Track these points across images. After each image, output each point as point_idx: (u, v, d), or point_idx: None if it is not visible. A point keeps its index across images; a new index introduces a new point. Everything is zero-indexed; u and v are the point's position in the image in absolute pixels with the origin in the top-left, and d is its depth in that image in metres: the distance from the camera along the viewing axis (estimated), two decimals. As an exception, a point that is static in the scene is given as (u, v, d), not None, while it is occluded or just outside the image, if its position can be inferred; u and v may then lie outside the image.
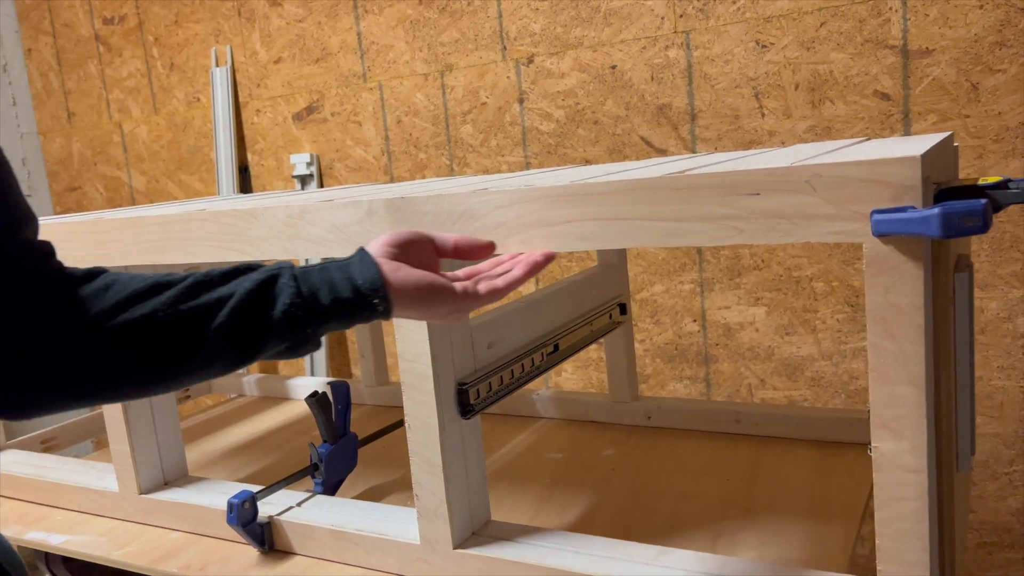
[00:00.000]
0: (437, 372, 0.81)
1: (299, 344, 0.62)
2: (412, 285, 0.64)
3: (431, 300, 0.65)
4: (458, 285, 0.67)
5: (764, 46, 1.58)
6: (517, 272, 0.70)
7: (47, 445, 1.38)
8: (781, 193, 0.60)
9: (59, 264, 0.61)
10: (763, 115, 1.61)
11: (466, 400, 0.84)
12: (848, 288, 1.59)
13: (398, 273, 0.64)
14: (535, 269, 0.70)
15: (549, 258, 0.71)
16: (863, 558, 1.32)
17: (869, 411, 0.62)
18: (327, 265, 0.64)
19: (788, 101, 1.58)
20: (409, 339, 0.81)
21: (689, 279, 1.74)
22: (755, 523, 0.90)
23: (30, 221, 0.60)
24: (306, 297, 0.61)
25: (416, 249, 0.68)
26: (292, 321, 0.61)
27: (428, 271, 0.66)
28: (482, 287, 0.68)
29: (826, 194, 0.59)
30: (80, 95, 2.60)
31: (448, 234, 0.71)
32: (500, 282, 0.68)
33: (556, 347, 1.01)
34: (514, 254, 0.73)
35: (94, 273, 0.61)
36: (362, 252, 0.66)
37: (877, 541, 0.62)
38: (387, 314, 0.64)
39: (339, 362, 2.27)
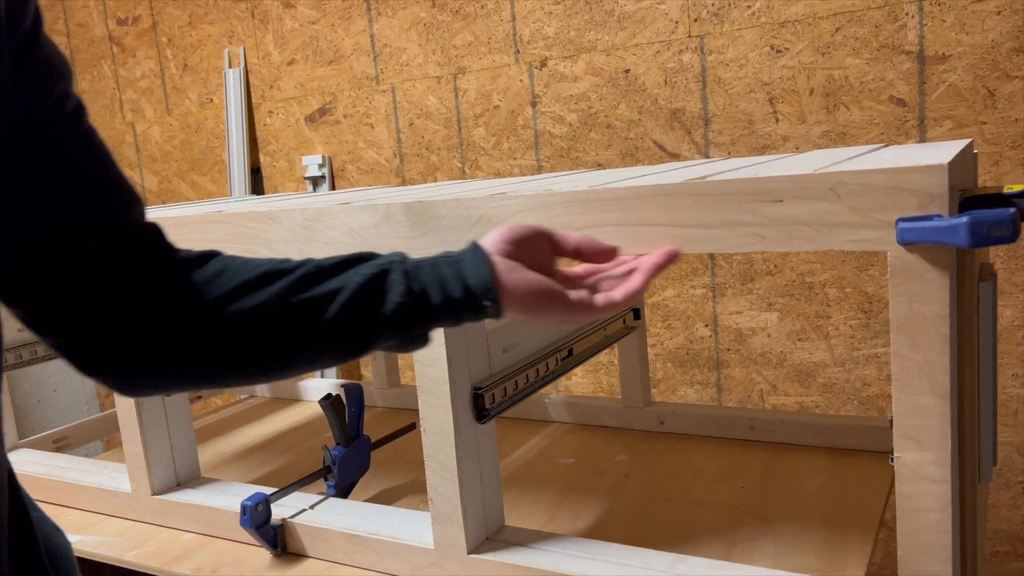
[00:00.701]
0: (453, 376, 0.80)
1: (408, 341, 0.62)
2: (525, 289, 0.61)
3: (544, 306, 0.62)
4: (573, 294, 0.63)
5: (779, 51, 1.58)
6: (635, 283, 0.63)
7: (59, 444, 1.38)
8: (804, 200, 0.60)
9: (170, 245, 0.61)
10: (777, 120, 1.60)
11: (481, 404, 0.83)
12: (861, 294, 1.58)
13: (512, 275, 0.61)
14: (656, 272, 0.64)
15: (672, 257, 0.65)
16: (876, 567, 1.31)
17: (890, 419, 0.61)
18: (439, 260, 0.62)
19: (803, 106, 1.58)
20: (425, 343, 0.80)
21: (701, 284, 1.73)
22: (770, 531, 0.90)
23: (137, 202, 0.59)
24: (416, 295, 0.59)
25: (533, 247, 0.64)
26: (401, 319, 0.59)
27: (544, 273, 0.63)
28: (599, 299, 0.63)
29: (850, 202, 0.58)
30: (93, 95, 2.61)
31: (570, 233, 0.66)
32: (618, 295, 0.63)
33: (570, 352, 1.01)
34: (636, 254, 0.67)
35: (207, 256, 0.60)
36: (475, 248, 0.62)
37: (899, 552, 0.61)
38: (497, 316, 0.62)
39: (351, 366, 2.27)
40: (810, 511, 0.93)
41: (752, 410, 1.19)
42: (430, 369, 0.81)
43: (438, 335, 0.79)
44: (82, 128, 0.56)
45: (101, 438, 1.49)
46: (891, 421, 0.60)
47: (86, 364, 0.57)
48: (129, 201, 0.58)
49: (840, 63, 1.53)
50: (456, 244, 0.77)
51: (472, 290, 0.60)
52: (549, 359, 0.96)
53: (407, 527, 0.90)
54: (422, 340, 0.63)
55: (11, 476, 0.56)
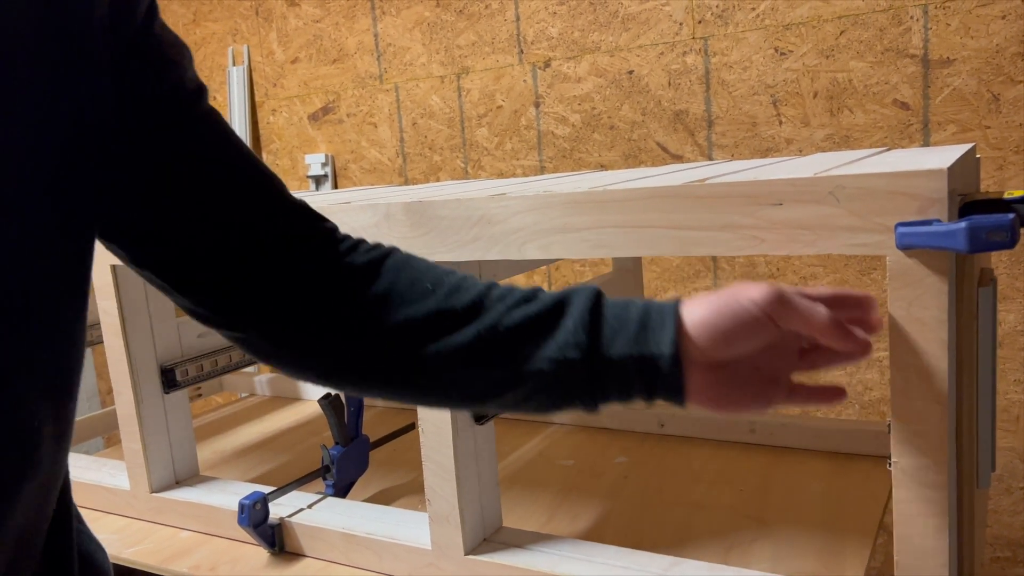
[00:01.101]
0: (451, 377, 0.80)
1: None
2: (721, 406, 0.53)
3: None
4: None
5: (783, 53, 1.58)
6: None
7: (59, 441, 1.39)
8: (804, 204, 0.60)
9: (327, 226, 0.59)
10: (781, 123, 1.60)
11: (480, 405, 0.83)
12: (864, 298, 1.58)
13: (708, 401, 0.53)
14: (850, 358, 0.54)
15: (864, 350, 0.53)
16: (875, 570, 1.30)
17: (888, 424, 0.61)
18: (643, 337, 0.52)
19: (806, 109, 1.57)
20: (424, 343, 0.80)
21: (703, 286, 1.73)
22: (768, 535, 0.89)
23: (279, 181, 0.58)
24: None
25: (773, 355, 0.54)
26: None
27: (759, 391, 0.54)
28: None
29: (850, 205, 0.58)
30: (97, 92, 2.62)
31: (818, 312, 0.52)
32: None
33: (570, 353, 1.01)
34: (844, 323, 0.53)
35: (375, 261, 0.57)
36: (674, 357, 0.51)
37: (896, 557, 0.61)
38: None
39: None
40: (809, 515, 0.93)
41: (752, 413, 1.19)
42: (429, 369, 0.81)
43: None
44: (203, 111, 0.55)
45: (102, 435, 1.49)
46: (889, 426, 0.60)
47: (260, 356, 0.58)
48: (272, 181, 0.57)
49: (844, 66, 1.52)
50: (456, 244, 0.77)
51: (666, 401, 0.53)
52: (548, 360, 0.96)
53: (405, 527, 0.90)
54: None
55: (66, 486, 0.55)
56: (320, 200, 0.95)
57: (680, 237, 0.65)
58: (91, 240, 0.50)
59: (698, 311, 0.52)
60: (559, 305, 0.54)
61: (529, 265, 1.02)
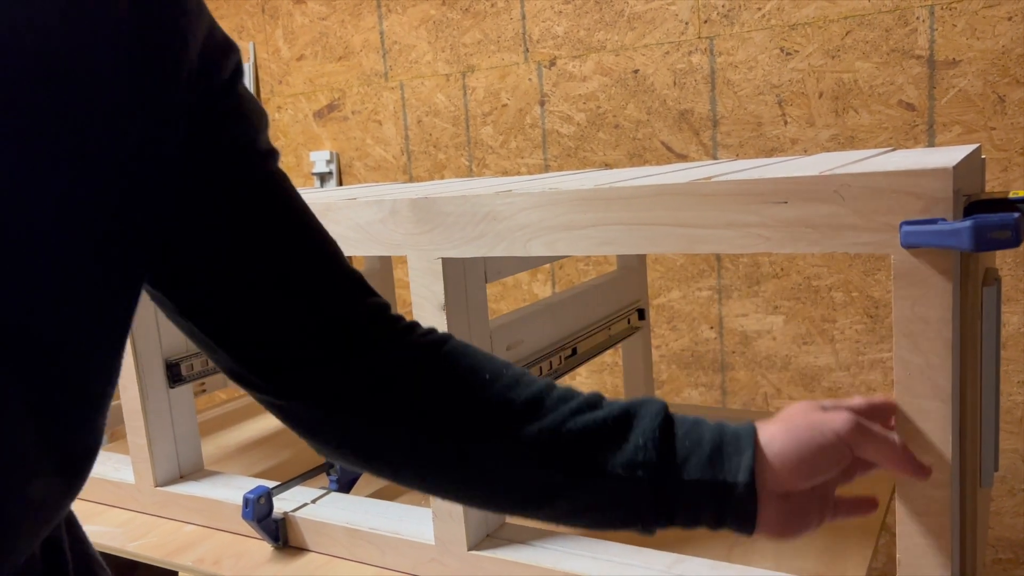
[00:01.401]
0: (456, 373, 0.81)
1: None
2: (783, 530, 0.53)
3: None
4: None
5: (788, 53, 1.58)
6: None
7: (64, 435, 1.39)
8: (809, 202, 0.60)
9: (388, 310, 0.57)
10: (786, 123, 1.60)
11: (484, 402, 0.83)
12: (868, 299, 1.58)
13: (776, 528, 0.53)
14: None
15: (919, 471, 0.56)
16: (876, 571, 1.31)
17: (892, 423, 0.61)
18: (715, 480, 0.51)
19: (811, 109, 1.57)
20: (429, 339, 0.81)
21: (707, 286, 1.73)
22: (771, 533, 0.90)
23: (358, 276, 0.56)
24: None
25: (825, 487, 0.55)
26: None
27: (815, 512, 0.54)
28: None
29: (855, 204, 0.58)
30: (104, 88, 2.62)
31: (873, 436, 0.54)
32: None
33: (574, 351, 1.01)
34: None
35: (434, 345, 0.56)
36: (749, 486, 0.50)
37: (898, 555, 0.61)
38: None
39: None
40: (811, 514, 0.93)
41: (756, 411, 1.19)
42: (433, 365, 0.81)
43: (442, 329, 0.80)
44: (272, 173, 0.53)
45: (108, 429, 1.49)
46: (893, 424, 0.60)
47: (297, 427, 0.56)
48: (335, 251, 0.55)
49: (850, 66, 1.52)
50: (462, 240, 0.77)
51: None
52: (553, 357, 0.96)
53: (408, 523, 0.90)
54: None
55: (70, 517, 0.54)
56: (326, 196, 0.95)
57: (685, 234, 0.66)
58: (138, 293, 0.48)
59: (778, 442, 0.51)
60: (626, 416, 0.53)
61: (534, 262, 1.02)
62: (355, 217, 0.83)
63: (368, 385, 0.53)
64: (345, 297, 0.55)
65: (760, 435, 0.52)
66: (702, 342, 1.76)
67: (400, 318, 0.57)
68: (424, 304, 0.81)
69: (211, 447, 1.34)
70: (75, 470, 0.45)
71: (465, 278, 0.82)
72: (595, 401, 0.54)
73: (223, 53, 0.49)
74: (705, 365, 1.76)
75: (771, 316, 1.68)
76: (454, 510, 0.83)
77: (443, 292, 0.79)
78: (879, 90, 1.51)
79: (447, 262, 0.79)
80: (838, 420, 0.53)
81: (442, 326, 0.80)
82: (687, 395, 1.79)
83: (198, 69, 0.47)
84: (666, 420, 0.53)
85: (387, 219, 0.81)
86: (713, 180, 0.64)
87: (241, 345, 0.53)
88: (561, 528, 0.93)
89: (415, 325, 0.58)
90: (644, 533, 0.53)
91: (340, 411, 0.53)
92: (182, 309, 0.52)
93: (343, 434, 0.54)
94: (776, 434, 0.52)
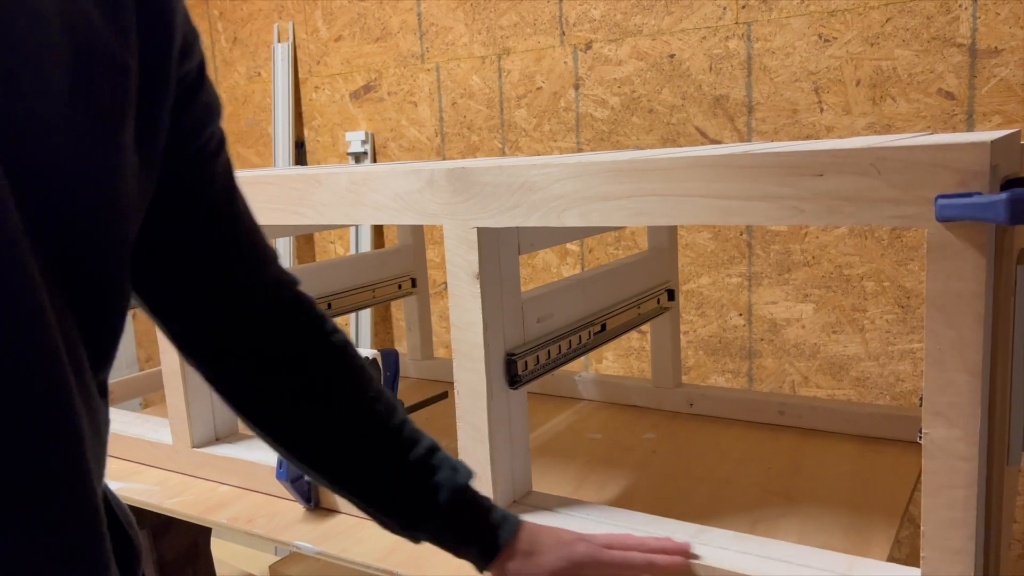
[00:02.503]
0: (487, 341, 0.82)
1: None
2: None
3: None
4: None
5: (827, 40, 1.57)
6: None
7: (104, 398, 1.43)
8: (845, 175, 0.61)
9: (312, 313, 0.67)
10: (822, 110, 1.59)
11: (514, 370, 0.85)
12: (900, 289, 1.57)
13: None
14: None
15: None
16: (900, 560, 1.31)
17: (920, 398, 0.62)
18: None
19: (848, 97, 1.56)
20: (461, 307, 0.82)
21: (737, 272, 1.73)
22: (795, 511, 0.90)
23: (274, 256, 0.65)
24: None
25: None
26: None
27: None
28: None
29: (891, 177, 0.59)
30: (145, 66, 2.67)
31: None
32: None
33: (603, 327, 1.02)
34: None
35: (344, 344, 0.70)
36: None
37: (922, 527, 0.62)
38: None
39: (383, 337, 2.31)
40: (836, 494, 0.94)
41: (782, 395, 1.19)
42: (466, 333, 0.83)
43: (474, 299, 0.81)
44: (226, 160, 0.60)
45: (142, 395, 1.53)
46: (921, 399, 0.61)
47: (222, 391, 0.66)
48: (265, 239, 0.64)
49: (889, 54, 1.51)
50: (497, 210, 0.78)
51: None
52: (582, 332, 0.97)
53: (437, 488, 0.92)
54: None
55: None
56: (363, 167, 0.97)
57: (719, 206, 0.66)
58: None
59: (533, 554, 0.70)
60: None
61: (567, 235, 1.03)
62: (394, 186, 0.85)
63: (270, 366, 0.64)
64: (275, 279, 0.65)
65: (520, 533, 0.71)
66: (730, 329, 1.76)
67: (309, 308, 0.67)
68: (458, 273, 0.82)
69: (244, 414, 1.37)
70: (102, 361, 0.51)
71: (499, 249, 0.83)
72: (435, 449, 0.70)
73: (195, 36, 0.54)
74: (733, 352, 1.77)
75: (801, 304, 1.67)
76: (482, 475, 0.84)
77: (477, 261, 0.81)
78: (918, 78, 1.49)
79: (482, 232, 0.81)
80: (582, 548, 0.70)
81: (475, 295, 0.81)
82: (713, 381, 1.80)
83: (181, 45, 0.51)
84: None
85: (424, 189, 0.83)
86: (748, 152, 0.65)
87: (179, 315, 0.62)
88: (579, 496, 0.94)
89: (323, 317, 0.68)
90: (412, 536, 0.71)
91: (261, 388, 0.65)
92: (132, 278, 0.57)
93: (254, 411, 0.66)
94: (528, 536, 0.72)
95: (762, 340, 1.73)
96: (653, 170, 0.69)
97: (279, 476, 0.95)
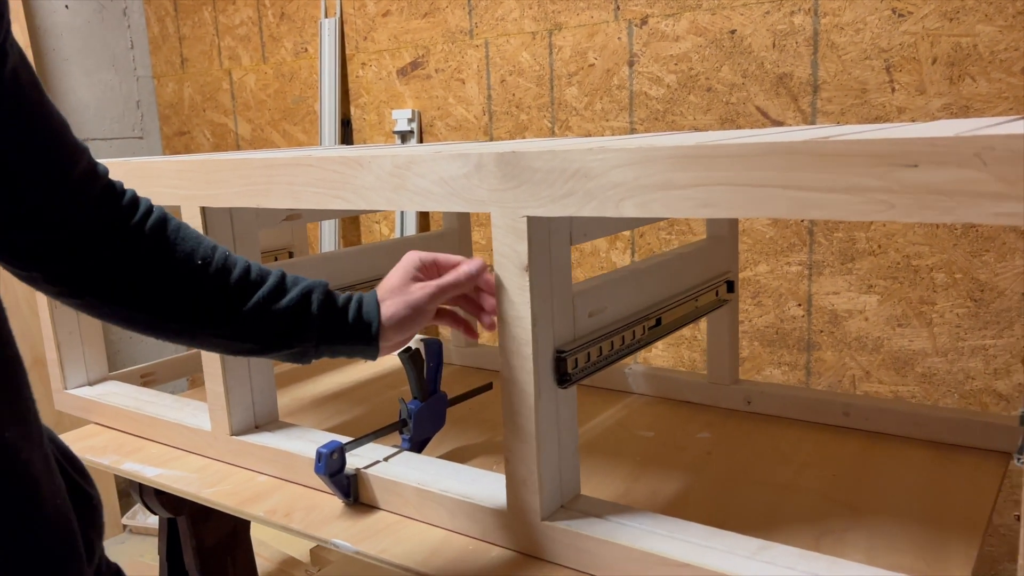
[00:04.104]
0: (536, 337, 0.77)
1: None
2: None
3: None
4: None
5: (901, 15, 1.47)
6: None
7: (146, 380, 1.42)
8: (943, 166, 0.54)
9: (114, 191, 0.71)
10: (893, 90, 1.50)
11: (564, 368, 0.80)
12: (973, 281, 1.47)
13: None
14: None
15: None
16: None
17: (1021, 415, 0.55)
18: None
19: (923, 76, 1.47)
20: (508, 300, 0.77)
21: (797, 260, 1.65)
22: (863, 524, 0.84)
23: (82, 153, 0.67)
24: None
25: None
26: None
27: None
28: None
29: (998, 170, 0.52)
30: (193, 41, 2.66)
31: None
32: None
33: (658, 321, 0.96)
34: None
35: (161, 224, 0.73)
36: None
37: (1021, 560, 0.56)
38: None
39: (427, 320, 2.27)
40: (908, 507, 0.87)
41: (846, 395, 1.12)
42: (513, 328, 0.78)
43: (523, 293, 0.76)
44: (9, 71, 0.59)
45: (187, 376, 1.52)
46: (1022, 417, 0.54)
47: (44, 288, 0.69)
48: (72, 159, 0.66)
49: (969, 30, 1.41)
50: (549, 198, 0.73)
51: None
52: (636, 327, 0.92)
53: (480, 487, 0.88)
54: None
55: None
56: (409, 150, 0.92)
57: (797, 198, 0.60)
58: None
59: (389, 317, 0.82)
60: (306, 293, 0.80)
61: (621, 224, 0.97)
62: (439, 171, 0.80)
63: (95, 271, 0.68)
64: (77, 189, 0.67)
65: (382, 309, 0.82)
66: (788, 319, 1.68)
67: (120, 196, 0.71)
68: (505, 264, 0.77)
69: (287, 399, 1.35)
70: None
71: (550, 239, 0.78)
72: (282, 284, 0.78)
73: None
74: (790, 344, 1.69)
75: (864, 295, 1.59)
76: (528, 477, 0.80)
77: (527, 252, 0.75)
78: (1001, 56, 1.39)
79: (532, 221, 0.75)
80: (421, 295, 0.82)
81: (524, 288, 0.76)
82: (768, 373, 1.72)
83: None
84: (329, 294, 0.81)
85: (472, 174, 0.78)
86: (832, 139, 0.59)
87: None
88: (629, 500, 0.89)
89: (135, 204, 0.72)
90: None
91: (82, 293, 0.69)
92: None
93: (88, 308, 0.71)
94: (387, 310, 0.81)
95: (822, 332, 1.65)
96: (723, 156, 0.63)
97: (317, 470, 0.91)
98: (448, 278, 0.84)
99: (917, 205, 0.55)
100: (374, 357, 0.82)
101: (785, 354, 1.70)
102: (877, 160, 0.56)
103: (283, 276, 0.78)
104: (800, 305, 1.66)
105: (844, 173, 0.57)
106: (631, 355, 0.92)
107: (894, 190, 0.56)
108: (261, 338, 0.76)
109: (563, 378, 0.80)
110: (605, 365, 0.86)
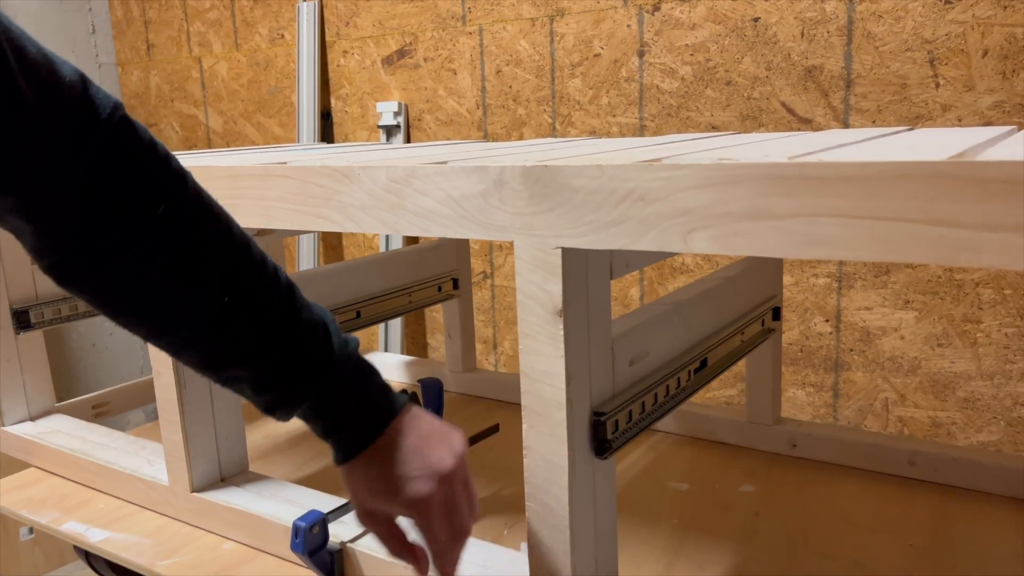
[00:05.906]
0: (571, 397, 0.61)
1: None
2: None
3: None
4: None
5: (948, 2, 1.32)
6: None
7: (99, 411, 1.25)
8: None
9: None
10: (937, 85, 1.35)
11: (603, 434, 0.64)
12: (1025, 299, 1.33)
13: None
14: None
15: None
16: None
17: None
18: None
19: (972, 70, 1.32)
20: (535, 352, 0.61)
21: (825, 272, 1.50)
22: (960, 616, 0.69)
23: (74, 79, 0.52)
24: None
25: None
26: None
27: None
28: None
29: None
30: (160, 25, 2.46)
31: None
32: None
33: (703, 363, 0.81)
34: None
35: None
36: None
37: None
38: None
39: (414, 341, 2.10)
40: (1009, 590, 0.72)
41: (909, 439, 0.97)
42: (540, 386, 0.62)
43: (555, 343, 0.60)
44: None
45: (145, 405, 1.35)
46: None
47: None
48: (68, 89, 0.52)
49: (1027, 19, 1.26)
50: (592, 226, 0.57)
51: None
52: (681, 373, 0.76)
53: (496, 569, 0.72)
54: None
55: None
56: (406, 157, 0.76)
57: (945, 238, 0.44)
58: None
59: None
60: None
61: (659, 256, 0.81)
62: (447, 187, 0.64)
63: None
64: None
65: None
66: (814, 336, 1.53)
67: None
68: (531, 306, 0.61)
69: (257, 437, 1.18)
70: None
71: (587, 274, 0.62)
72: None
73: None
74: (816, 363, 1.54)
75: (900, 311, 1.44)
76: (561, 571, 0.64)
77: (560, 293, 0.59)
78: (1062, 48, 1.24)
79: (568, 253, 0.59)
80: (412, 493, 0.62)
81: (556, 338, 0.60)
82: (792, 395, 1.58)
83: None
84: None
85: (491, 192, 0.61)
86: (993, 161, 0.43)
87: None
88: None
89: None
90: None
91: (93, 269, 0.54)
92: None
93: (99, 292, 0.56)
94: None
95: (851, 351, 1.50)
96: (836, 179, 0.47)
97: (294, 548, 0.75)
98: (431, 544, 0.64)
99: None
100: (345, 457, 0.64)
101: (811, 374, 1.55)
102: (1073, 190, 0.40)
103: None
104: (828, 321, 1.51)
105: (1010, 204, 0.42)
106: (675, 408, 0.76)
107: (1098, 233, 0.40)
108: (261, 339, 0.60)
109: (602, 446, 0.64)
110: (647, 425, 0.71)
